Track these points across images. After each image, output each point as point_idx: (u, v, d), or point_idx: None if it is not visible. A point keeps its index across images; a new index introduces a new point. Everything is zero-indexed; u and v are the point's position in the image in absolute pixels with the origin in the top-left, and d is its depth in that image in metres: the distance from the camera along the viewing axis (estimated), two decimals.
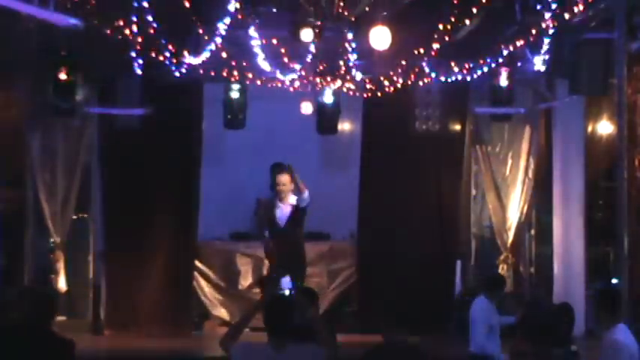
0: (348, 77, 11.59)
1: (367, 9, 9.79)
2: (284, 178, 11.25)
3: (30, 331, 5.88)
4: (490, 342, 9.03)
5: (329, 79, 11.71)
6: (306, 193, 11.05)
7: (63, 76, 10.95)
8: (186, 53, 10.43)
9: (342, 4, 9.92)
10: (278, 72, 11.20)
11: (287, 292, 10.07)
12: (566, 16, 9.18)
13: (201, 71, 11.15)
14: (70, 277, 12.31)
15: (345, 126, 13.80)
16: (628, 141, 9.22)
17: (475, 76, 11.39)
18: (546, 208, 12.68)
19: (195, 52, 10.51)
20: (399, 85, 11.59)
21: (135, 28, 9.67)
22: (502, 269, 12.51)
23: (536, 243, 12.84)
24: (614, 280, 9.92)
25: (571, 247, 12.13)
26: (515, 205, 12.67)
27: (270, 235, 11.44)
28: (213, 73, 11.37)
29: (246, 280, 12.86)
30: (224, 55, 10.82)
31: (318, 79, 11.70)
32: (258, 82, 11.87)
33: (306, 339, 5.97)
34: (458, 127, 12.90)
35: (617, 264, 9.10)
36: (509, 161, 12.75)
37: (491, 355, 9.00)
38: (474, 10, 9.54)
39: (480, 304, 9.18)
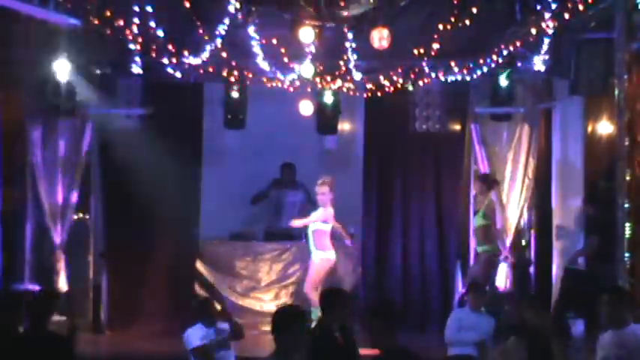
0: (348, 77, 11.59)
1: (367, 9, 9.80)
2: None
3: (28, 332, 5.87)
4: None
5: (329, 79, 11.70)
6: None
7: (63, 76, 10.95)
8: (186, 53, 10.43)
9: (342, 4, 9.93)
10: (278, 72, 11.21)
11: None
12: (566, 16, 9.18)
13: (202, 71, 11.15)
14: (70, 277, 12.31)
15: (345, 126, 13.79)
16: (628, 141, 9.22)
17: (475, 76, 11.39)
18: (546, 208, 12.66)
19: (195, 52, 10.51)
20: (399, 85, 11.61)
21: (135, 28, 9.68)
22: (502, 269, 12.48)
23: (536, 243, 12.81)
24: None
25: (571, 247, 12.11)
26: (515, 205, 12.63)
27: None
28: (213, 73, 11.38)
29: (244, 281, 12.85)
30: (224, 55, 10.83)
31: (318, 79, 11.69)
32: (258, 82, 11.87)
33: None
34: (458, 127, 12.90)
35: (617, 264, 9.08)
36: (509, 161, 12.73)
37: None
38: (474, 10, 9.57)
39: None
